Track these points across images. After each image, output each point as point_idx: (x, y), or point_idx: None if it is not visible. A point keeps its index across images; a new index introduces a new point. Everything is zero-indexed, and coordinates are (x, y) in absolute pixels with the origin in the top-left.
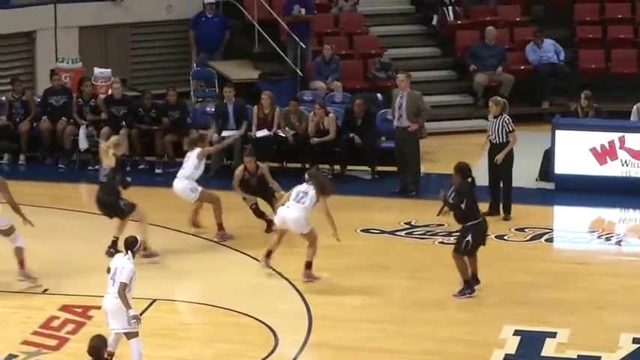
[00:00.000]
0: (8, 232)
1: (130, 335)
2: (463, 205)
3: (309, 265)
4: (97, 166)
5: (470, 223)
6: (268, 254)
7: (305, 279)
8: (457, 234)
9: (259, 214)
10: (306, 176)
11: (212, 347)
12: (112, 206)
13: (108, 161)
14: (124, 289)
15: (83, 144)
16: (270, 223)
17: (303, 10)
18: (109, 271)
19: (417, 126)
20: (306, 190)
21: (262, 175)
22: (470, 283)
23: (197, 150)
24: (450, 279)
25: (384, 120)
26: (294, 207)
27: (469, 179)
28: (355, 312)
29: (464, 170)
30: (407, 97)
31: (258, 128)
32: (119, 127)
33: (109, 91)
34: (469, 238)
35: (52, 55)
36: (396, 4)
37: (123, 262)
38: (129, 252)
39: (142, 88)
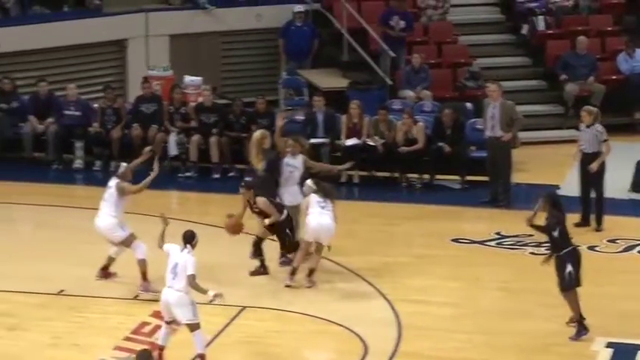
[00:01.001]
0: (127, 241)
1: (193, 327)
2: (557, 233)
3: (312, 272)
4: (187, 173)
5: (564, 252)
6: (293, 272)
7: (307, 284)
8: (547, 245)
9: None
10: (315, 187)
11: (301, 355)
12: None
13: (260, 160)
14: (194, 279)
15: (173, 150)
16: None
17: (402, 23)
18: (160, 246)
19: (510, 136)
20: (322, 199)
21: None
22: (583, 323)
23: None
24: (540, 290)
25: (473, 129)
26: (325, 215)
27: (559, 209)
28: (445, 322)
29: (553, 200)
30: (500, 107)
31: (347, 137)
32: (209, 134)
33: (199, 99)
34: (570, 269)
35: (143, 62)
36: (485, 13)
37: (185, 257)
38: (188, 245)
39: (231, 96)
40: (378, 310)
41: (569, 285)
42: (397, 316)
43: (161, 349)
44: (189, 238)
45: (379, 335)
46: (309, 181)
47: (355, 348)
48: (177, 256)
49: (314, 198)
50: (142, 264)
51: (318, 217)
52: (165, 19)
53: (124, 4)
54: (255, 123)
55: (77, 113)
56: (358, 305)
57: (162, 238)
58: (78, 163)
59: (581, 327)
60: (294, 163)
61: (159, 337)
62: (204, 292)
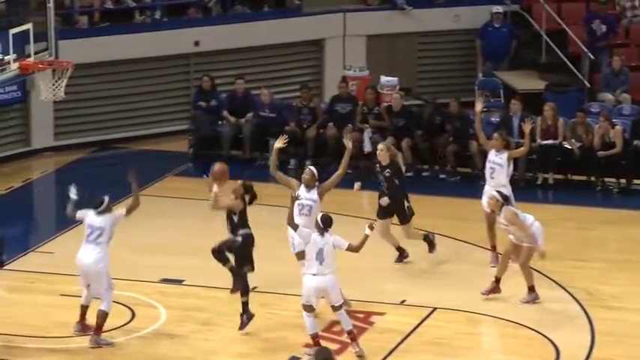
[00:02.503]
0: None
1: (341, 307)
2: None
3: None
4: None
5: None
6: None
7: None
8: None
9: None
10: (502, 200)
11: (491, 358)
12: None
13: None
14: (351, 246)
15: (367, 147)
16: None
17: (603, 27)
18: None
19: None
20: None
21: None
22: None
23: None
24: None
25: None
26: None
27: None
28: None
29: None
30: None
31: (542, 139)
32: (400, 136)
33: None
34: None
35: (339, 63)
36: None
37: (329, 240)
38: (329, 229)
39: (426, 97)
40: (571, 315)
41: None
42: (591, 321)
43: (315, 337)
44: (329, 223)
45: (572, 341)
46: (495, 194)
47: (547, 353)
48: (319, 242)
49: (514, 209)
50: None
51: (537, 223)
52: (362, 20)
53: (323, 4)
54: (449, 124)
55: (271, 115)
56: (551, 309)
57: (293, 217)
58: None
59: None
60: (495, 160)
61: (308, 328)
62: (365, 238)
